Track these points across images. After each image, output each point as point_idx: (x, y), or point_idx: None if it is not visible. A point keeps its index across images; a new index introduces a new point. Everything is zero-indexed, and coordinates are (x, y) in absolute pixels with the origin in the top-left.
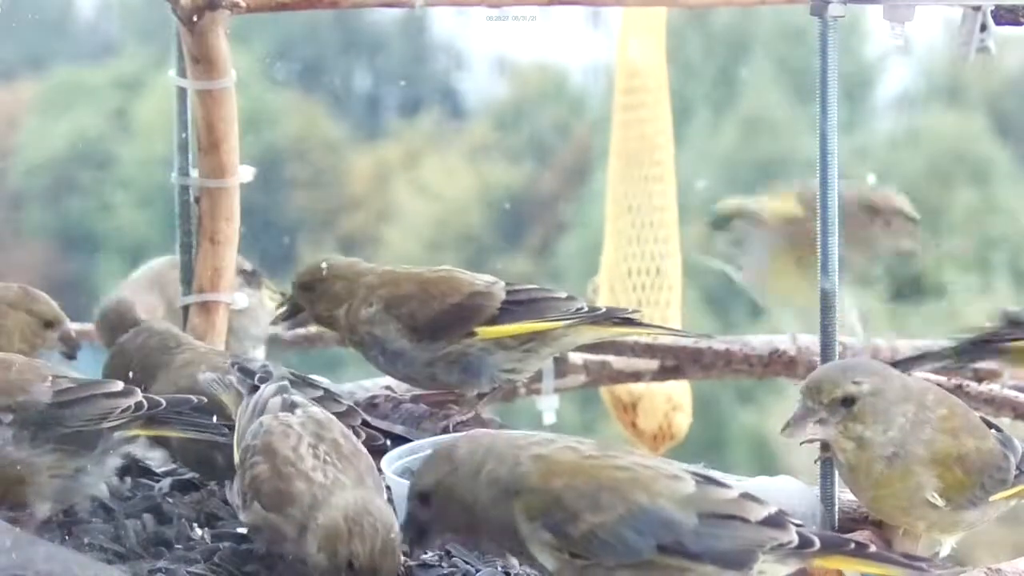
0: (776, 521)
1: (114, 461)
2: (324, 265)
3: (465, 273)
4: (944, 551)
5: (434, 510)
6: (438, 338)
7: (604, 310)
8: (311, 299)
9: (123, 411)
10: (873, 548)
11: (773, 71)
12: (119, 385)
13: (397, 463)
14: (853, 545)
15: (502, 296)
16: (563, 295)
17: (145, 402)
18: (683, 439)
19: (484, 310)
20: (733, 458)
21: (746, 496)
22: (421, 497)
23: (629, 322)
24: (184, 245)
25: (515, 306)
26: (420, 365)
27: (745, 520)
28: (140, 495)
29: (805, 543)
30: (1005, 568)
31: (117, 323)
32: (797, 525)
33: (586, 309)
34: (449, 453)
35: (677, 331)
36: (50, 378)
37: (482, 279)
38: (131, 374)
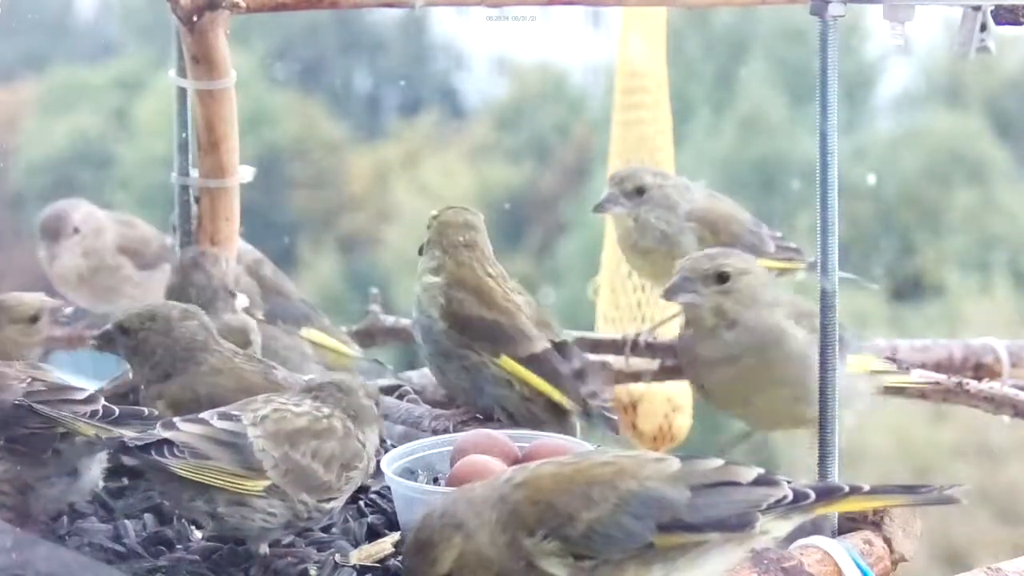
0: (767, 480)
1: (91, 475)
2: None
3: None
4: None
5: None
6: None
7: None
8: None
9: (80, 416)
10: (867, 487)
11: (773, 71)
12: (83, 392)
13: (397, 463)
14: (848, 489)
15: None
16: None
17: (102, 410)
18: (683, 440)
19: None
20: (733, 458)
21: (733, 462)
22: None
23: None
24: (184, 245)
25: None
26: None
27: (736, 484)
28: (140, 495)
29: (800, 496)
30: (1005, 568)
31: None
32: (789, 482)
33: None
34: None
35: None
36: (28, 380)
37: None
38: (157, 356)
